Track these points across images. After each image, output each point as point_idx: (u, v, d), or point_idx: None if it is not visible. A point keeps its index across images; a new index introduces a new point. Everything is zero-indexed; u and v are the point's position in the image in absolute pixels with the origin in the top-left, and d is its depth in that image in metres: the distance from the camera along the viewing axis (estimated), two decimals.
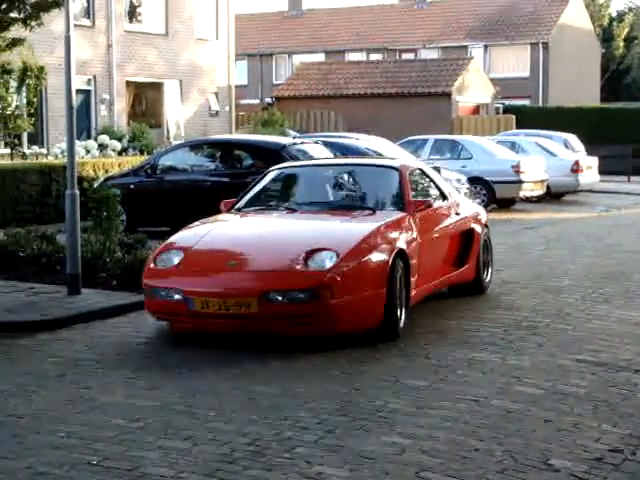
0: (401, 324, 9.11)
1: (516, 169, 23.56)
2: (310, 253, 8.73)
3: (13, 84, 23.89)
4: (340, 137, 22.46)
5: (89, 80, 29.75)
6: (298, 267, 8.64)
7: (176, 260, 9.07)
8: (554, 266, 14.09)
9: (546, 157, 25.91)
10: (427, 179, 11.38)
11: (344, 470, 5.70)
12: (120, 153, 26.21)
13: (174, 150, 18.41)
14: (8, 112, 23.70)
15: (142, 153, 25.69)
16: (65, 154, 21.77)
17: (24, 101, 24.33)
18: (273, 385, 7.48)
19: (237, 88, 38.05)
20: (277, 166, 11.66)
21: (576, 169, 26.56)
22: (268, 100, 45.28)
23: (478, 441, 6.24)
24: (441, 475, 5.65)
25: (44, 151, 26.76)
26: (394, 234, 9.41)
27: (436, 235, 10.54)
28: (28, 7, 13.33)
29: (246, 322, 8.58)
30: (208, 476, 5.60)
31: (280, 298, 8.45)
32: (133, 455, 5.94)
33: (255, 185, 11.06)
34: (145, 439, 6.26)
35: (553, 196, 26.45)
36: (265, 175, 11.25)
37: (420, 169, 11.45)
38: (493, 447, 6.13)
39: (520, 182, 23.62)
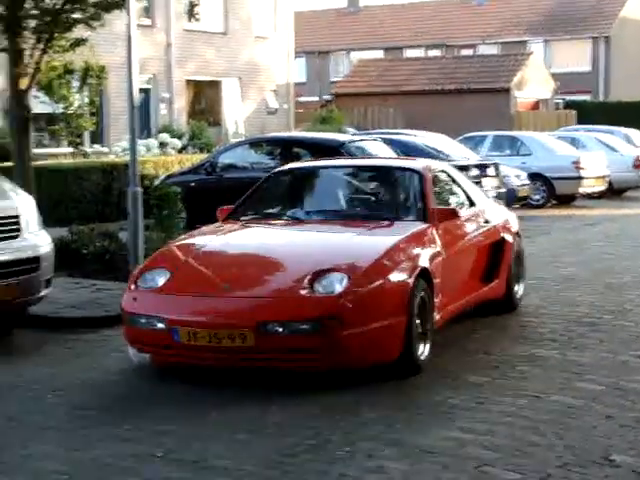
0: (425, 355, 7.88)
1: (576, 165, 23.38)
2: (317, 275, 7.42)
3: (75, 84, 24.24)
4: (399, 134, 22.47)
5: (149, 79, 30.04)
6: (302, 292, 7.34)
7: (161, 281, 7.76)
8: (615, 262, 13.98)
9: (607, 153, 25.66)
10: (452, 182, 10.07)
11: (404, 464, 5.75)
12: (180, 151, 26.45)
13: (233, 148, 18.51)
14: (70, 111, 24.07)
15: (202, 151, 25.89)
16: (126, 152, 22.08)
17: (86, 100, 24.67)
18: (334, 381, 7.53)
19: (296, 85, 38.19)
20: (282, 167, 10.50)
21: (638, 164, 26.29)
22: (326, 97, 45.37)
23: (538, 436, 6.24)
24: (501, 470, 5.67)
25: (105, 150, 27.09)
26: (416, 250, 8.15)
27: (462, 248, 9.21)
28: (90, 8, 13.53)
29: (241, 357, 7.30)
30: (271, 469, 5.68)
31: (280, 329, 7.16)
32: (197, 447, 6.03)
33: (257, 188, 9.77)
34: (208, 432, 6.35)
35: (614, 192, 26.20)
36: (269, 177, 9.98)
37: (444, 171, 10.11)
38: (554, 442, 6.13)
39: (580, 178, 23.42)
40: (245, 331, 7.17)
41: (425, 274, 7.97)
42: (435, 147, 19.53)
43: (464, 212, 9.58)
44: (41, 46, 13.38)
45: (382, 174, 10.00)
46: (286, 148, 17.37)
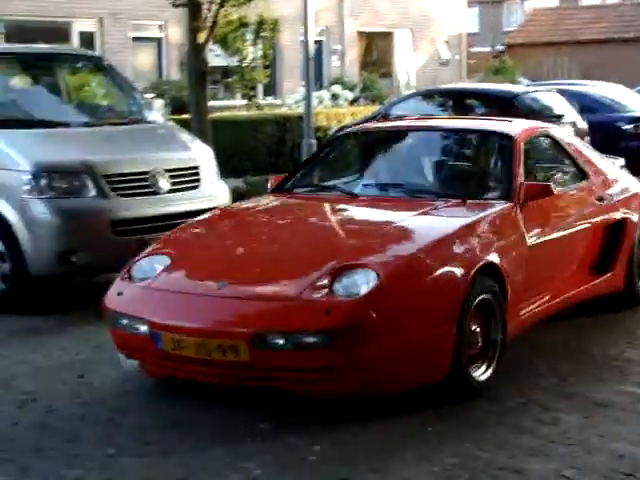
0: (487, 375, 6.21)
1: None
2: (338, 271, 5.79)
3: (249, 37, 24.62)
4: (574, 85, 21.99)
5: (322, 31, 30.21)
6: (315, 295, 5.69)
7: (159, 270, 6.31)
8: None
9: None
10: (558, 149, 8.10)
11: (578, 417, 5.74)
12: (352, 103, 26.57)
13: (406, 100, 18.46)
14: (244, 65, 24.48)
15: (373, 103, 25.95)
16: (298, 105, 22.33)
17: (259, 53, 25.04)
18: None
19: (468, 36, 37.77)
20: (347, 129, 9.10)
21: None
22: (499, 48, 44.72)
23: None
24: None
25: (278, 102, 27.45)
26: (483, 238, 6.39)
27: (562, 233, 7.30)
28: None
29: (235, 373, 5.75)
30: (442, 418, 5.74)
31: (282, 342, 5.54)
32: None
33: (317, 155, 8.48)
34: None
35: None
36: (331, 141, 8.64)
37: (548, 135, 8.12)
38: None
39: None
40: (237, 343, 5.60)
41: (492, 270, 6.25)
42: (612, 98, 19.04)
43: (570, 187, 7.87)
44: (218, 0, 13.67)
45: (464, 139, 8.18)
46: (459, 100, 17.25)
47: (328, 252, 6.12)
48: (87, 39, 24.90)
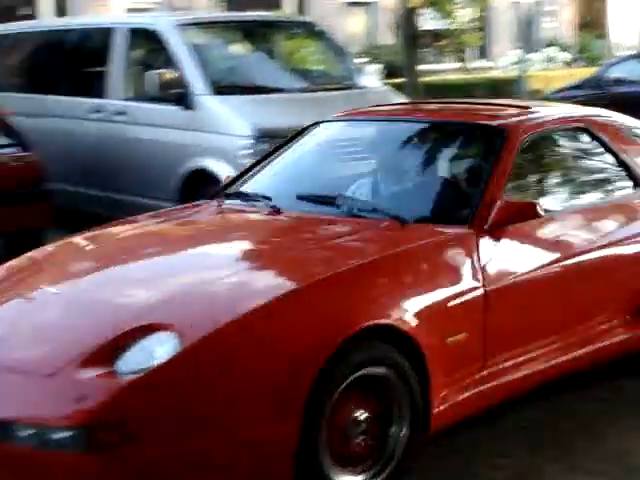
0: None
1: None
2: (130, 335, 3.96)
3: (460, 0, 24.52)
4: None
5: None
6: (80, 372, 3.86)
7: None
8: None
9: None
10: (598, 148, 5.74)
11: None
12: (568, 65, 26.05)
13: (624, 61, 17.98)
14: (455, 27, 24.38)
15: (591, 64, 25.36)
16: (513, 67, 22.05)
17: (471, 16, 24.87)
18: None
19: None
20: (317, 121, 6.34)
21: None
22: None
23: None
24: None
25: (489, 65, 27.20)
26: (390, 285, 4.38)
27: (570, 265, 5.09)
28: None
29: None
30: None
31: (26, 435, 3.79)
32: None
33: (274, 152, 6.25)
34: None
35: None
36: (298, 134, 6.29)
37: (584, 128, 5.72)
38: None
39: None
40: None
41: (392, 333, 4.21)
42: None
43: (604, 199, 5.69)
44: None
45: (443, 135, 5.94)
46: None
47: (133, 307, 4.27)
48: (300, 5, 25.27)
